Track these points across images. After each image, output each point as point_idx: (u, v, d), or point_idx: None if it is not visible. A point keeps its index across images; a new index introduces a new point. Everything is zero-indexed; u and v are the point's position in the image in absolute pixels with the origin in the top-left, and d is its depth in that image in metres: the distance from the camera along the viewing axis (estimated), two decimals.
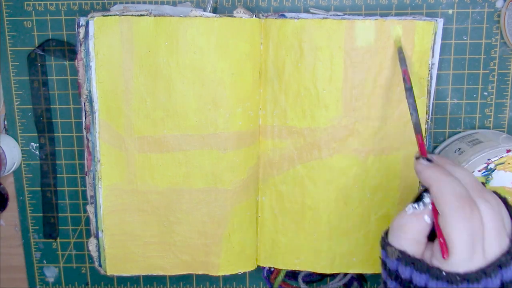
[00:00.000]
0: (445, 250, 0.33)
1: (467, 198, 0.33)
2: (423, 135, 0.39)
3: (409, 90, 0.43)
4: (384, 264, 0.36)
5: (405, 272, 0.34)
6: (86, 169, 0.51)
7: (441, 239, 0.33)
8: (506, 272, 0.32)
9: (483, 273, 0.32)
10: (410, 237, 0.35)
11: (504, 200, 0.36)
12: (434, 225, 0.35)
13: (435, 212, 0.34)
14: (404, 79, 0.44)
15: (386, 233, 0.36)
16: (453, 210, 0.32)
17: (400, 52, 0.47)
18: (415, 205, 0.35)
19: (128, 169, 0.51)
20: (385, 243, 0.36)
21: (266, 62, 0.50)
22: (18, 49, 0.54)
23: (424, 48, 0.48)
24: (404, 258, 0.34)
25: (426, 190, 0.36)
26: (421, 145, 0.39)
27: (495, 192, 0.37)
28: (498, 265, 0.32)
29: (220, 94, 0.48)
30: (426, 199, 0.35)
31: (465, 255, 0.32)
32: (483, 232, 0.33)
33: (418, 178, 0.36)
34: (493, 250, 0.33)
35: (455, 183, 0.34)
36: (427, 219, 0.35)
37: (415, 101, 0.42)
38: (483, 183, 0.37)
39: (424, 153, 0.38)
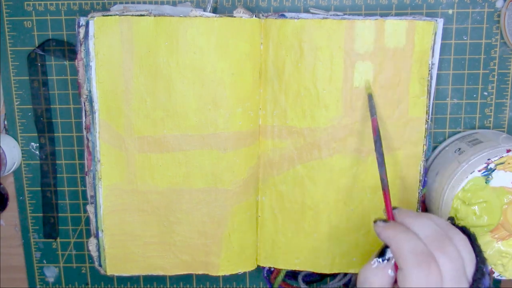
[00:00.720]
0: None
1: (425, 254, 0.34)
2: (389, 192, 0.41)
3: (377, 141, 0.43)
4: None
5: None
6: (86, 169, 0.51)
7: None
8: None
9: None
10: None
11: (471, 237, 0.38)
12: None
13: (396, 267, 0.36)
14: (372, 129, 0.44)
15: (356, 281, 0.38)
16: (410, 266, 0.34)
17: (370, 99, 0.47)
18: (379, 259, 0.37)
19: (128, 169, 0.51)
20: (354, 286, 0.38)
21: (266, 62, 0.50)
22: (18, 49, 0.54)
23: (424, 48, 0.48)
24: None
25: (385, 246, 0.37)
26: (386, 201, 0.40)
27: (464, 228, 0.38)
28: None
29: (220, 94, 0.48)
30: (389, 253, 0.36)
31: None
32: (441, 284, 0.34)
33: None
34: None
35: (413, 240, 0.35)
36: (391, 272, 0.36)
37: (382, 154, 0.42)
38: (452, 218, 0.39)
39: (388, 210, 0.39)
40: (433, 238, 0.35)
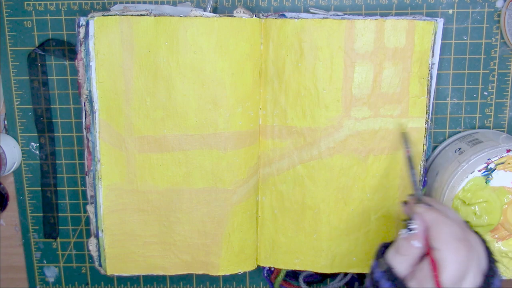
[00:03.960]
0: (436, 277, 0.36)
1: (465, 240, 0.36)
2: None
3: (410, 173, 0.45)
4: (372, 273, 0.40)
5: (385, 285, 0.38)
6: (86, 169, 0.51)
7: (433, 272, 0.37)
8: None
9: None
10: (403, 257, 0.38)
11: (483, 240, 0.40)
12: (425, 253, 0.38)
13: (428, 249, 0.37)
14: (406, 161, 0.46)
15: (383, 246, 0.41)
16: (451, 251, 0.36)
17: (404, 137, 0.49)
18: (404, 230, 0.39)
19: (128, 169, 0.51)
20: (380, 254, 0.40)
21: (266, 62, 0.50)
22: (18, 49, 0.54)
23: (424, 48, 0.48)
24: (389, 273, 0.38)
25: (409, 219, 0.39)
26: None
27: (476, 233, 0.41)
28: None
29: (220, 94, 0.48)
30: (413, 225, 0.38)
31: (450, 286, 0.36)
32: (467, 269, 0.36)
33: (413, 218, 0.39)
34: (469, 285, 0.36)
35: (454, 225, 0.37)
36: (416, 243, 0.38)
37: (416, 182, 0.45)
38: (467, 222, 0.42)
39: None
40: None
